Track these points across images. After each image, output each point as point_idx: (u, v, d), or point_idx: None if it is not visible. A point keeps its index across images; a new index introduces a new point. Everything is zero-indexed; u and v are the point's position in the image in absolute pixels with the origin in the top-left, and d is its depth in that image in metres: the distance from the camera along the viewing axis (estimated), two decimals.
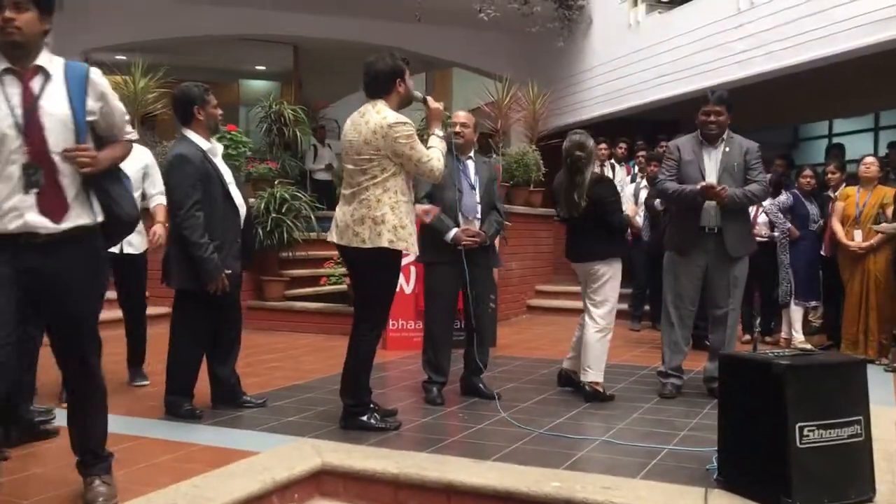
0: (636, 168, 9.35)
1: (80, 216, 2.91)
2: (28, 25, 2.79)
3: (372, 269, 4.10)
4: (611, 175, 9.86)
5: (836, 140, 12.66)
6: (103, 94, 3.00)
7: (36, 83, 2.84)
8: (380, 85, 4.10)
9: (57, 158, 2.83)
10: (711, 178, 4.93)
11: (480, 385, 5.00)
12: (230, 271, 4.28)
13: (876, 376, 5.63)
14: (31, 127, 2.78)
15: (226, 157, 7.61)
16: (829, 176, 7.39)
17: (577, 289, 5.20)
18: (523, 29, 11.02)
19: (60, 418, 4.09)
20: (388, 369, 5.88)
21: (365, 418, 4.12)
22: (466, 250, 4.85)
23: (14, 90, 2.80)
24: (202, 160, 4.27)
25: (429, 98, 4.32)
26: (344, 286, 8.09)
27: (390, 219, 3.98)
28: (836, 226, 6.69)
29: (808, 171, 7.36)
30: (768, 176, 5.87)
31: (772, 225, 7.30)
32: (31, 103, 2.80)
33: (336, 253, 7.71)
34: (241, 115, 13.66)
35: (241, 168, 8.34)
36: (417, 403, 4.82)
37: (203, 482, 3.16)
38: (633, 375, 5.73)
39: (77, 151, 2.84)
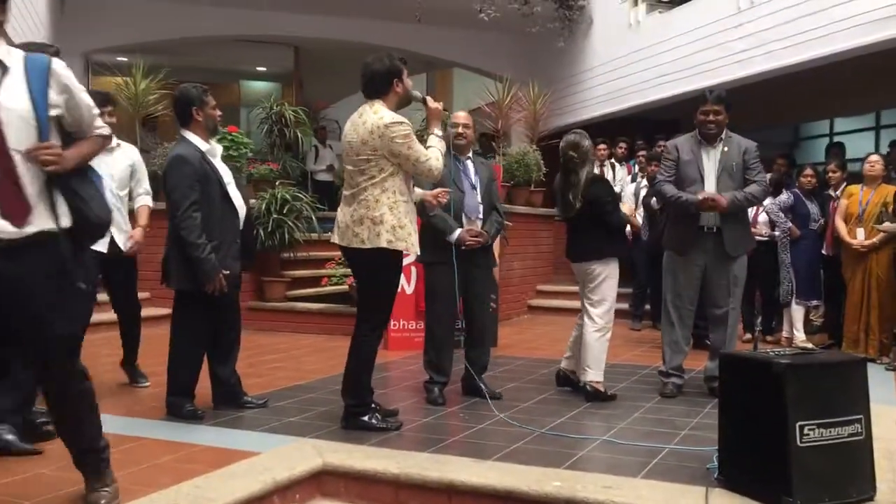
0: (637, 167, 9.35)
1: (44, 220, 2.75)
2: None
3: (372, 269, 4.12)
4: (611, 175, 9.90)
5: (837, 139, 12.64)
6: (67, 86, 2.81)
7: None
8: (377, 85, 4.11)
9: (17, 157, 2.67)
10: (710, 177, 4.94)
11: (482, 385, 5.00)
12: (228, 272, 4.29)
13: (877, 375, 5.64)
14: None
15: (227, 158, 7.63)
16: (830, 175, 7.38)
17: (578, 289, 5.20)
18: (524, 29, 11.02)
19: None
20: (389, 369, 5.89)
21: (366, 418, 4.12)
22: (467, 251, 4.86)
23: None
24: (200, 161, 4.28)
25: (428, 98, 4.33)
26: (345, 287, 8.10)
27: (389, 219, 3.98)
28: (840, 224, 6.68)
29: (808, 171, 7.35)
30: (767, 175, 5.87)
31: (772, 224, 7.30)
32: None
33: (337, 253, 7.74)
34: (242, 116, 13.65)
35: (242, 169, 8.34)
36: (418, 403, 4.82)
37: (204, 482, 3.17)
38: (633, 375, 5.73)
39: (40, 150, 2.67)
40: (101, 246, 4.66)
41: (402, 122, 4.00)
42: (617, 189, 9.45)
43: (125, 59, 11.06)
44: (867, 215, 6.51)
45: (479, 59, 12.97)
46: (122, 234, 4.94)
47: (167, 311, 4.51)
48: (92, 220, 2.88)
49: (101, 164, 4.61)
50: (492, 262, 5.31)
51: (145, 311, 7.18)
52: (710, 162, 4.97)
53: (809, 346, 6.75)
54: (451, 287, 4.83)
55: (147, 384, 5.17)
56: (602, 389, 4.88)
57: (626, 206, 8.39)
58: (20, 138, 2.68)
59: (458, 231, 4.84)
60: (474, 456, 3.64)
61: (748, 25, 8.94)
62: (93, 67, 11.49)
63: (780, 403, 2.98)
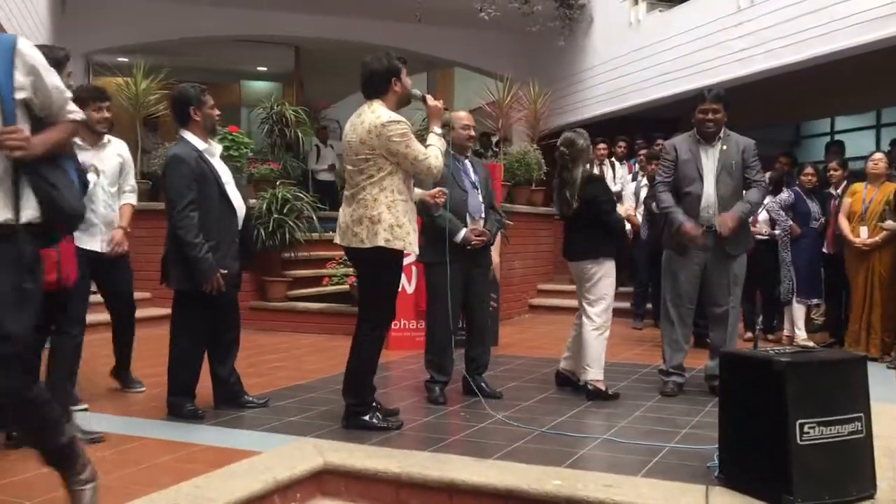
0: (637, 166, 9.35)
1: (3, 210, 2.57)
2: None
3: (371, 268, 4.12)
4: (611, 173, 9.90)
5: (838, 137, 12.63)
6: (34, 67, 2.65)
7: None
8: (376, 85, 4.11)
9: None
10: (710, 176, 4.94)
11: (483, 384, 5.01)
12: (226, 271, 4.28)
13: (878, 373, 5.64)
14: None
15: (227, 158, 7.63)
16: (832, 173, 7.37)
17: (576, 288, 5.20)
18: (524, 28, 11.02)
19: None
20: (389, 369, 5.89)
21: (367, 418, 4.13)
22: (470, 250, 4.87)
23: None
24: (197, 160, 4.28)
25: (428, 96, 4.33)
26: (346, 286, 8.10)
27: (387, 218, 3.98)
28: (843, 222, 6.66)
29: (809, 169, 7.35)
30: (767, 174, 5.88)
31: (772, 223, 7.30)
32: None
33: (338, 253, 7.76)
34: (242, 116, 13.67)
35: (242, 169, 8.35)
36: (419, 403, 4.82)
37: (205, 482, 3.17)
38: (634, 374, 5.73)
39: (4, 134, 2.50)
40: (96, 245, 4.65)
41: (399, 121, 4.00)
42: (617, 188, 9.49)
43: (126, 60, 11.08)
44: (870, 213, 6.49)
45: (480, 58, 12.97)
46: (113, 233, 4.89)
47: (168, 311, 4.50)
48: (65, 210, 2.74)
49: (93, 160, 4.64)
50: (489, 261, 5.32)
51: (147, 312, 7.25)
52: (710, 161, 4.97)
53: (810, 344, 6.75)
54: (453, 287, 4.83)
55: (142, 389, 5.06)
56: (603, 388, 4.88)
57: (627, 205, 8.44)
58: None
59: (463, 231, 4.85)
60: (475, 455, 3.64)
61: (748, 24, 8.95)
62: (93, 68, 11.50)
63: (780, 402, 2.98)
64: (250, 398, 4.66)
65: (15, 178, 2.59)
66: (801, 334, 7.07)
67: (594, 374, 4.90)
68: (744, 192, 5.04)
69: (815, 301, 7.27)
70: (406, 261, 4.62)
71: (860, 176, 7.05)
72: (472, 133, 5.10)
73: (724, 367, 3.39)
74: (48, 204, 2.67)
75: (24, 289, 2.63)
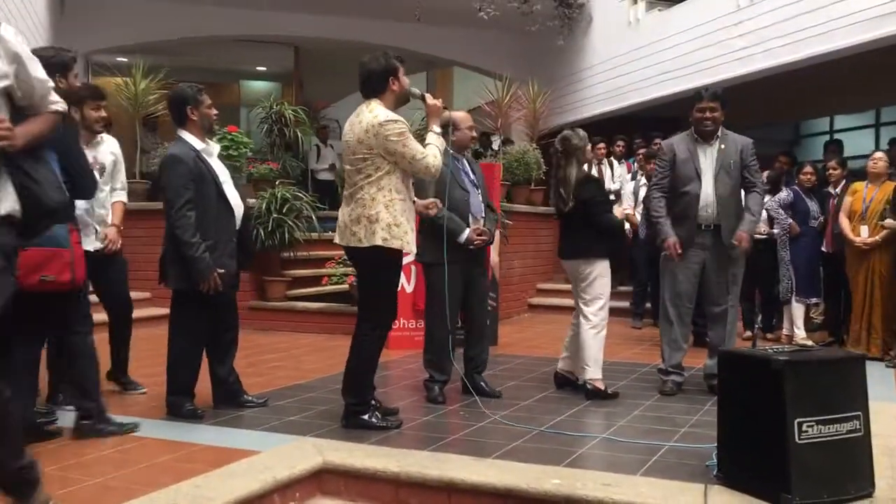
0: (636, 165, 9.36)
1: None
2: None
3: (370, 267, 4.13)
4: (610, 173, 9.91)
5: (837, 136, 12.65)
6: (17, 54, 2.56)
7: None
8: (373, 84, 4.12)
9: None
10: (708, 175, 4.95)
11: (482, 383, 5.01)
12: (223, 270, 4.28)
13: (877, 372, 5.64)
14: None
15: (227, 157, 7.64)
16: (831, 172, 7.37)
17: (571, 287, 5.21)
18: (523, 27, 11.03)
19: (63, 419, 4.13)
20: (389, 368, 5.89)
21: (366, 417, 4.13)
22: (469, 250, 4.87)
23: None
24: (195, 160, 4.29)
25: (427, 95, 4.33)
26: (345, 286, 8.11)
27: (384, 217, 3.99)
28: (844, 221, 6.64)
29: (808, 168, 7.35)
30: (765, 174, 5.89)
31: (771, 222, 7.30)
32: None
33: (338, 252, 7.76)
34: (241, 115, 13.67)
35: (242, 169, 8.36)
36: (418, 402, 4.83)
37: (204, 482, 3.17)
38: (634, 373, 5.74)
39: None
40: (89, 245, 4.64)
41: (396, 120, 4.00)
42: (616, 186, 9.50)
43: (125, 60, 11.08)
44: (871, 212, 6.48)
45: (479, 57, 12.97)
46: (110, 229, 4.88)
47: (167, 311, 4.51)
48: (47, 202, 2.66)
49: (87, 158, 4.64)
50: (488, 260, 5.34)
51: (147, 311, 7.26)
52: (707, 160, 4.98)
53: (809, 343, 6.75)
54: (454, 287, 4.82)
55: (143, 391, 5.02)
56: (602, 387, 4.88)
57: (625, 205, 8.45)
58: None
59: (467, 231, 4.86)
60: (474, 454, 3.64)
61: (748, 23, 8.95)
62: (92, 68, 11.50)
63: (778, 400, 2.98)
64: (250, 398, 4.66)
65: None
66: (800, 333, 7.07)
67: (592, 373, 4.90)
68: (742, 194, 5.06)
69: (813, 300, 7.27)
70: (406, 260, 4.62)
71: (859, 175, 7.05)
72: (474, 133, 5.11)
73: (723, 366, 3.39)
74: (29, 197, 2.60)
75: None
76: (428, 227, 4.78)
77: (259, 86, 14.89)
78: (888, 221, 6.29)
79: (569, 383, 5.18)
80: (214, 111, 4.52)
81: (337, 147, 11.78)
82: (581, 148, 5.04)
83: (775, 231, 7.26)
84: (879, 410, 3.72)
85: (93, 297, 4.18)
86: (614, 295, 8.91)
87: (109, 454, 3.66)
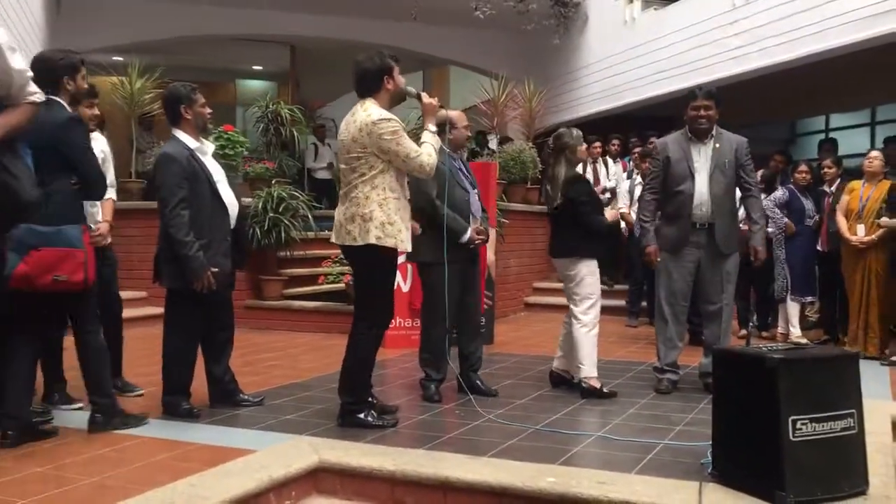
0: (631, 164, 9.37)
1: None
2: None
3: (364, 266, 4.15)
4: (605, 171, 9.93)
5: (832, 135, 12.66)
6: None
7: None
8: (368, 83, 4.13)
9: None
10: (702, 174, 4.96)
11: (478, 382, 5.02)
12: (217, 269, 4.29)
13: (872, 370, 5.66)
14: None
15: (223, 156, 7.63)
16: (826, 170, 7.38)
17: (563, 286, 5.22)
18: (519, 27, 11.03)
19: (58, 419, 4.14)
20: (385, 367, 5.90)
21: (362, 416, 4.13)
22: (469, 250, 4.88)
23: None
24: (188, 159, 4.29)
25: (423, 94, 4.34)
26: (342, 285, 8.11)
27: (378, 215, 3.99)
28: (841, 220, 6.63)
29: (803, 167, 7.37)
30: (759, 172, 5.90)
31: (766, 221, 7.30)
32: None
33: (334, 251, 7.75)
34: (238, 114, 13.66)
35: (238, 168, 8.35)
36: (414, 401, 4.83)
37: (200, 481, 3.17)
38: (629, 371, 5.75)
39: None
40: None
41: (389, 119, 4.01)
42: (611, 185, 9.51)
43: (121, 59, 11.05)
44: (867, 211, 6.47)
45: (475, 56, 12.98)
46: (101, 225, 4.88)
47: (163, 310, 4.51)
48: (24, 199, 2.62)
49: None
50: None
51: (143, 311, 7.26)
52: (702, 158, 4.99)
53: (804, 341, 6.76)
54: (453, 287, 4.81)
55: (141, 392, 4.95)
56: (597, 385, 4.89)
57: (621, 203, 8.46)
58: None
59: (470, 230, 4.87)
60: (470, 452, 3.65)
61: (743, 22, 8.97)
62: (88, 67, 11.44)
63: (772, 398, 2.99)
64: (246, 397, 4.66)
65: None
66: (795, 331, 7.09)
67: (587, 371, 4.91)
68: (738, 193, 5.09)
69: (809, 298, 7.29)
70: (403, 259, 4.60)
71: (855, 173, 7.06)
72: (469, 133, 5.12)
73: (718, 364, 3.40)
74: (6, 192, 2.56)
75: None
76: (430, 227, 4.77)
77: (255, 85, 14.89)
78: (884, 220, 6.30)
79: (564, 382, 5.19)
80: (208, 110, 4.53)
81: (334, 146, 11.77)
82: (572, 146, 5.04)
83: (770, 230, 7.26)
84: (874, 408, 3.73)
85: None
86: (611, 294, 9.00)
87: (106, 453, 3.67)
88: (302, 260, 8.90)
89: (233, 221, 4.50)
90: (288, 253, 8.39)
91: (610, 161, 10.15)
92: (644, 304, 8.32)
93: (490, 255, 6.58)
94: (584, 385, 4.90)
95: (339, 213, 4.16)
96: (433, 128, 4.27)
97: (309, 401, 4.77)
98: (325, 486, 3.50)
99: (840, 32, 7.72)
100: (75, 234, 3.76)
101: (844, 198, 6.70)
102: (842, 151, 9.26)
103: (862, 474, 3.09)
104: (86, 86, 4.14)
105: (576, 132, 5.09)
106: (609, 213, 5.13)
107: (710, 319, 5.10)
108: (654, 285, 5.50)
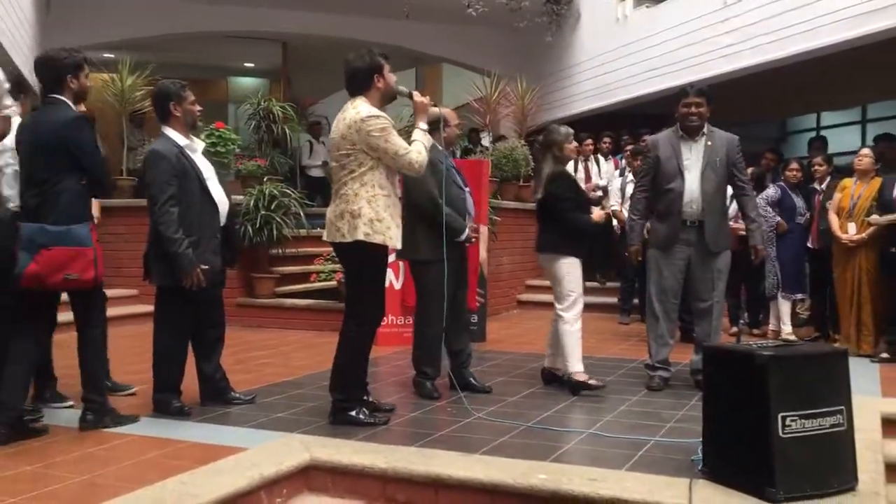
0: (623, 162, 9.39)
1: None
2: None
3: (354, 263, 4.15)
4: (596, 169, 9.94)
5: (824, 133, 12.71)
6: None
7: None
8: (358, 82, 4.14)
9: None
10: (693, 172, 4.97)
11: (471, 379, 5.02)
12: (206, 266, 4.28)
13: (862, 367, 5.68)
14: None
15: (214, 154, 7.61)
16: (816, 168, 7.39)
17: (550, 282, 5.24)
18: (511, 24, 11.04)
19: (49, 417, 4.12)
20: (377, 364, 5.89)
21: (353, 413, 4.13)
22: (462, 248, 4.90)
23: None
24: (178, 156, 4.28)
25: (414, 92, 4.34)
26: (334, 283, 8.10)
27: (366, 212, 4.00)
28: (833, 218, 6.63)
29: (794, 164, 7.38)
30: (750, 170, 5.92)
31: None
32: None
33: (326, 249, 7.75)
34: (229, 112, 13.64)
35: (229, 165, 8.33)
36: (406, 398, 4.83)
37: (190, 479, 3.17)
38: (621, 368, 5.76)
39: None
40: None
41: (378, 116, 4.01)
42: (603, 183, 9.52)
43: (111, 56, 11.01)
44: (858, 209, 6.46)
45: (468, 54, 12.97)
46: None
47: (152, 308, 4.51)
48: None
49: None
50: None
51: (133, 309, 7.24)
52: (693, 156, 5.00)
53: (793, 338, 6.79)
54: (448, 285, 4.80)
55: (133, 391, 4.90)
56: (583, 379, 4.90)
57: (612, 201, 8.46)
58: None
59: (467, 229, 4.88)
60: (461, 450, 3.65)
61: (734, 20, 9.00)
62: None
63: (762, 395, 3.00)
64: (237, 395, 4.65)
65: None
66: (786, 329, 7.11)
67: (573, 366, 4.92)
68: (729, 191, 5.11)
69: (799, 296, 7.31)
70: (393, 258, 4.59)
71: (845, 171, 7.08)
72: (459, 131, 5.14)
73: (708, 361, 3.41)
74: None
75: None
76: (427, 226, 4.76)
77: (247, 82, 14.87)
78: (874, 217, 6.31)
79: (556, 379, 5.20)
80: (198, 107, 4.53)
81: (329, 144, 11.78)
82: (559, 143, 5.03)
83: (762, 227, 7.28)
84: (863, 405, 3.75)
85: (64, 296, 4.16)
86: (603, 291, 9.01)
87: (96, 451, 3.66)
88: (294, 257, 8.89)
89: (223, 219, 4.49)
90: (280, 250, 8.38)
91: (602, 159, 10.17)
92: (636, 301, 8.33)
93: (482, 253, 6.58)
94: (572, 380, 4.91)
95: (330, 211, 4.17)
96: (424, 126, 4.26)
97: (300, 398, 4.76)
98: (317, 483, 3.50)
99: (831, 30, 7.76)
100: (84, 232, 3.81)
101: (836, 196, 6.69)
102: (833, 149, 9.30)
103: (851, 471, 3.10)
104: (89, 84, 4.13)
105: (564, 129, 5.09)
106: (596, 213, 5.11)
107: (700, 317, 5.11)
108: (645, 283, 5.53)
